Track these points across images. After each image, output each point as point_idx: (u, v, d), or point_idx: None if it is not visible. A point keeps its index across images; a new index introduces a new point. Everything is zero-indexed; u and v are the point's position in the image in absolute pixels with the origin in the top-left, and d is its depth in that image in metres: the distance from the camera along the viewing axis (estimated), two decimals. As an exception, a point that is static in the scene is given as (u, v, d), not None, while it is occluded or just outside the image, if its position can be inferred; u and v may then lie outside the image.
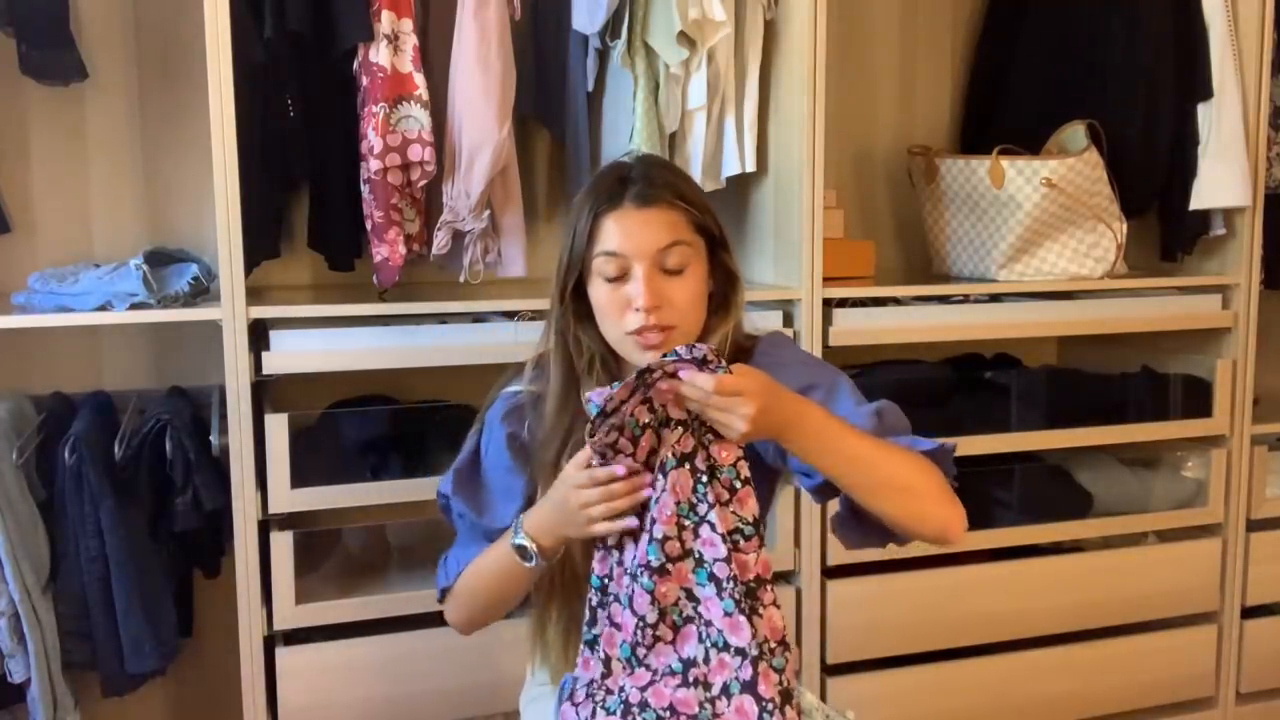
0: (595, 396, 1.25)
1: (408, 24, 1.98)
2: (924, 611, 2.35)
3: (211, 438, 2.01)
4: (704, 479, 1.25)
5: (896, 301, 2.33)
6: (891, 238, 2.76)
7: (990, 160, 2.35)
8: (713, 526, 1.25)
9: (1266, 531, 2.60)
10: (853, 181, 2.72)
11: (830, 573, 2.29)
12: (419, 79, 1.98)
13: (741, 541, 1.26)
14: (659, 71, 2.13)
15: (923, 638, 2.36)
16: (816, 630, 2.27)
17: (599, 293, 1.41)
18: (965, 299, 2.39)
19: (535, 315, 1.99)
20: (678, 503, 1.25)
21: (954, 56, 2.80)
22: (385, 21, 1.96)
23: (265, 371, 1.95)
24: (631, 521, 1.27)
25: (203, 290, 1.99)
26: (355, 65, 2.02)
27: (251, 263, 1.99)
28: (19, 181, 2.22)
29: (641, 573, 1.26)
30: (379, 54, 1.96)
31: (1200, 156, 2.47)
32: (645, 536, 1.27)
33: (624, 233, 1.37)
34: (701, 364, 1.23)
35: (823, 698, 2.27)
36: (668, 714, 1.27)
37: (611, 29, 2.11)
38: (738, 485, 1.27)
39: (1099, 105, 2.47)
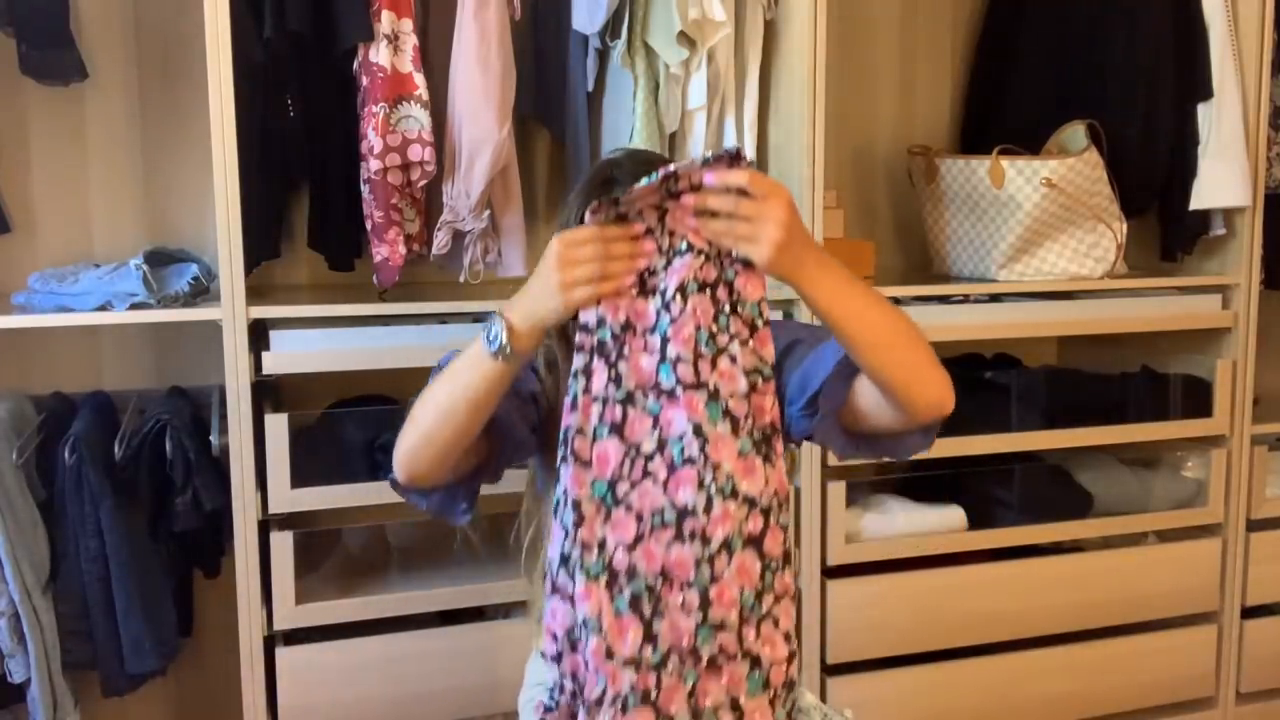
0: (621, 200, 1.17)
1: (408, 24, 1.98)
2: (924, 611, 2.35)
3: (211, 438, 2.01)
4: (726, 309, 1.18)
5: (897, 301, 2.32)
6: (891, 238, 2.76)
7: (990, 160, 2.35)
8: (734, 359, 1.16)
9: (1266, 531, 2.60)
10: (853, 181, 2.72)
11: (830, 573, 2.29)
12: (419, 79, 1.98)
13: (760, 382, 1.18)
14: (659, 71, 2.13)
15: (923, 638, 2.36)
16: (816, 630, 2.27)
17: None
18: (965, 299, 2.39)
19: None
20: (697, 328, 1.17)
21: (954, 56, 2.79)
22: (385, 21, 1.96)
23: (265, 371, 1.95)
24: (615, 285, 1.18)
25: (203, 290, 1.99)
26: (355, 65, 2.02)
27: (251, 263, 1.99)
28: (19, 181, 2.22)
29: (646, 395, 1.17)
30: (379, 54, 1.96)
31: (1200, 156, 2.47)
32: (654, 358, 1.18)
33: None
34: (734, 160, 1.14)
35: (823, 698, 2.27)
36: (659, 582, 1.15)
37: (611, 29, 2.11)
38: (759, 324, 1.19)
39: (1099, 105, 2.47)
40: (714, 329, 1.18)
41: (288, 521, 2.00)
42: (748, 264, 1.18)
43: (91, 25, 2.21)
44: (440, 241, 2.06)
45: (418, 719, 2.07)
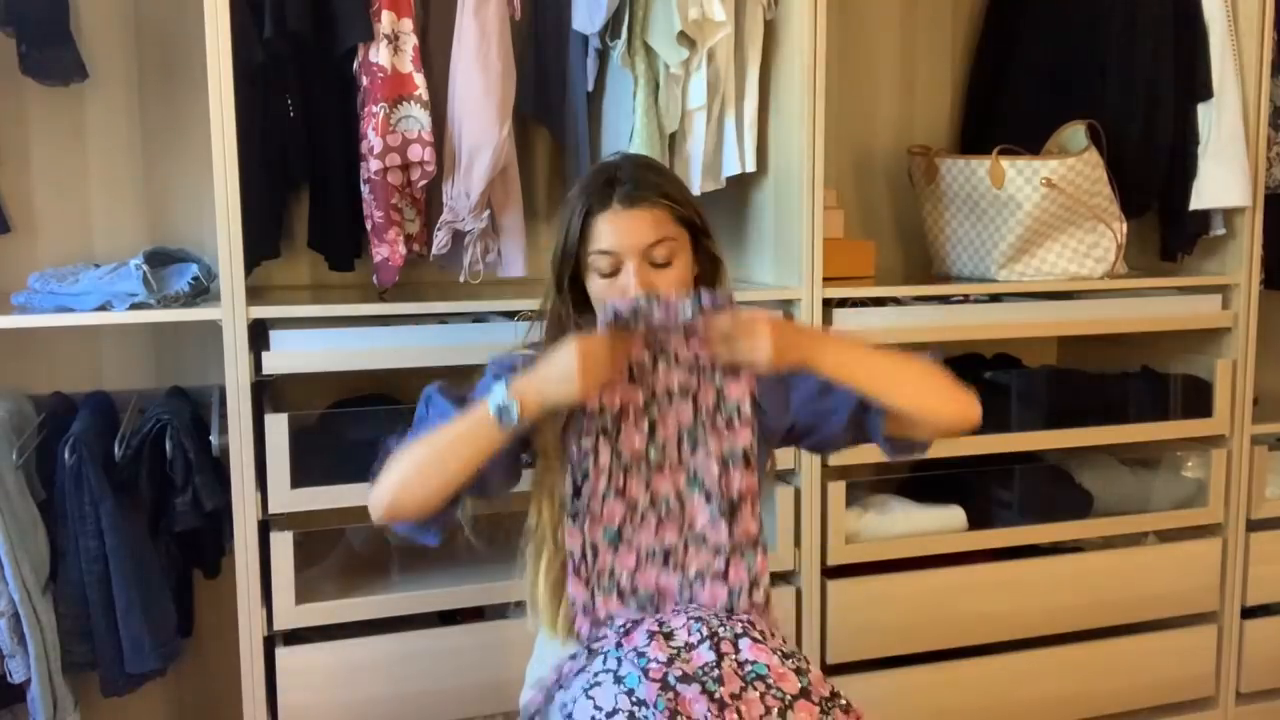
0: (619, 304, 1.43)
1: (408, 24, 1.98)
2: (924, 611, 2.35)
3: (211, 438, 2.01)
4: (703, 413, 1.50)
5: (897, 301, 2.33)
6: (891, 238, 2.76)
7: (990, 160, 2.35)
8: (708, 452, 1.50)
9: (1266, 531, 2.60)
10: (853, 181, 2.72)
11: (830, 573, 2.29)
12: (419, 79, 1.99)
13: (731, 465, 1.50)
14: (659, 71, 2.13)
15: (923, 638, 2.36)
16: (816, 630, 2.27)
17: (595, 285, 1.52)
18: (965, 299, 2.39)
19: (535, 315, 1.99)
20: (679, 425, 1.51)
21: (954, 56, 2.80)
22: (385, 21, 1.96)
23: (265, 371, 1.95)
24: (618, 380, 1.46)
25: (203, 290, 1.99)
26: (355, 65, 2.02)
27: (251, 263, 1.99)
28: (19, 181, 2.22)
29: (639, 465, 1.50)
30: (379, 54, 1.96)
31: (1200, 156, 2.47)
32: (643, 437, 1.50)
33: (615, 232, 1.49)
34: (713, 302, 1.43)
35: (823, 698, 2.27)
36: (656, 596, 1.50)
37: (611, 29, 2.12)
38: (736, 420, 1.50)
39: (1099, 105, 2.47)
40: (693, 427, 1.50)
41: (288, 521, 2.00)
42: (734, 372, 1.48)
43: (91, 25, 2.21)
44: (440, 241, 2.06)
45: (418, 719, 2.07)
